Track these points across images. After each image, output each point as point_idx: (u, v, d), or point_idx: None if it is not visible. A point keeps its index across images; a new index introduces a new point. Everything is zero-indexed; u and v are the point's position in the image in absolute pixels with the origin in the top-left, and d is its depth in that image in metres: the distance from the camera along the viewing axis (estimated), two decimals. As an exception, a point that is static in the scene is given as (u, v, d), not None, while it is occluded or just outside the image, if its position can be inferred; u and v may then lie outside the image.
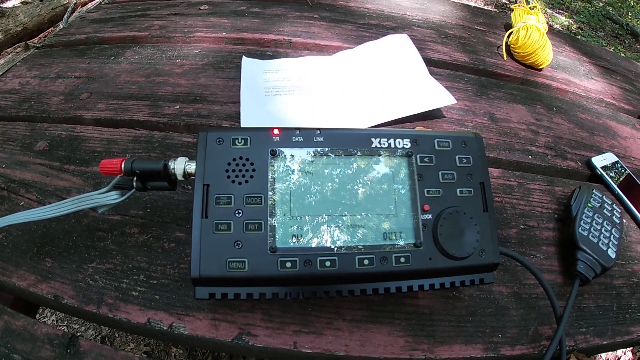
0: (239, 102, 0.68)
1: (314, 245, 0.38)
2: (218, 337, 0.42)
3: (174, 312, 0.43)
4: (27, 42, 1.23)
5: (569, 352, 0.46)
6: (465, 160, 0.43)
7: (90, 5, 1.30)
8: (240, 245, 0.37)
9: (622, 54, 2.96)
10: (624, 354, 1.28)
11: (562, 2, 3.85)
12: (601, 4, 3.96)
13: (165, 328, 0.42)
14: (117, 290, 0.45)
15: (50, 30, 1.45)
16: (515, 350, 0.45)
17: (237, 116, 0.66)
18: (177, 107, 0.67)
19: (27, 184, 0.55)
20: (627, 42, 3.49)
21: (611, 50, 2.74)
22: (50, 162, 0.58)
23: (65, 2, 1.39)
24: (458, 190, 0.42)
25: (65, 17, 1.23)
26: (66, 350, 0.41)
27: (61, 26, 1.22)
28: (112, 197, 0.43)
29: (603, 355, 1.26)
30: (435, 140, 0.43)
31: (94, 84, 0.72)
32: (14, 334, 0.42)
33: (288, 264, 0.37)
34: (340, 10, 1.02)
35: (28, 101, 0.68)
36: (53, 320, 1.15)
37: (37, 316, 0.44)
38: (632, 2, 3.99)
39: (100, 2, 1.08)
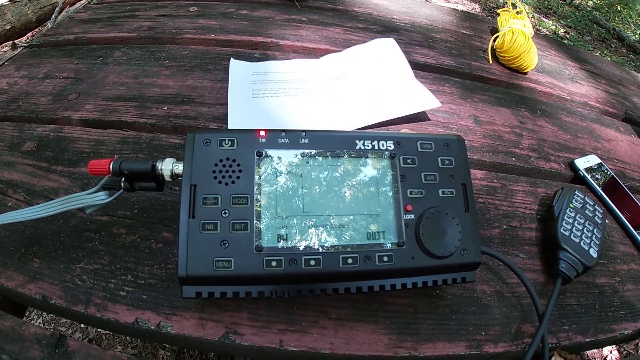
0: (227, 103, 0.69)
1: (298, 244, 0.39)
2: (205, 336, 0.42)
3: (162, 311, 0.44)
4: (15, 41, 1.22)
5: (552, 350, 0.48)
6: (447, 162, 0.44)
7: (78, 5, 1.30)
8: (227, 245, 0.37)
9: (608, 58, 3.01)
10: (611, 352, 1.30)
11: (549, 6, 3.90)
12: (588, 9, 4.02)
13: (152, 327, 0.43)
14: (105, 291, 0.45)
15: (37, 29, 1.44)
16: (498, 347, 0.46)
17: (224, 118, 0.66)
18: (165, 108, 0.67)
19: (15, 184, 0.55)
20: (613, 46, 3.55)
21: (597, 54, 2.78)
22: (38, 162, 0.58)
23: (53, 2, 1.38)
24: (440, 190, 0.43)
25: (53, 16, 1.23)
26: (54, 350, 0.41)
27: (49, 26, 1.22)
28: (100, 198, 0.43)
29: (589, 353, 1.28)
30: (418, 142, 0.44)
31: (82, 85, 0.72)
32: (2, 335, 0.41)
33: (273, 263, 0.37)
34: (328, 14, 1.02)
35: (16, 101, 0.68)
36: (40, 323, 1.14)
37: (24, 319, 0.44)
38: (618, 7, 4.05)
39: (89, 2, 1.08)
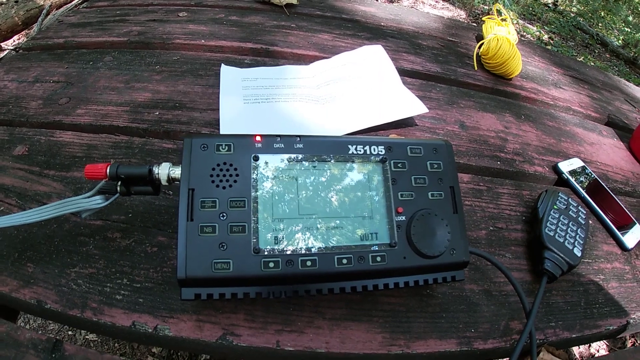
0: (218, 109, 0.69)
1: (295, 246, 0.40)
2: (202, 337, 0.43)
3: (159, 314, 0.44)
4: (0, 44, 1.21)
5: (540, 345, 0.49)
6: (436, 166, 0.46)
7: (64, 8, 1.29)
8: (225, 247, 0.38)
9: (592, 63, 3.08)
10: (597, 351, 1.33)
11: (533, 12, 3.97)
12: (572, 15, 4.10)
13: (150, 330, 0.43)
14: (100, 295, 0.45)
15: (24, 32, 1.43)
16: (488, 344, 0.48)
17: (216, 123, 0.67)
18: (157, 113, 0.68)
19: (7, 189, 0.54)
20: (597, 51, 3.62)
21: (581, 59, 2.85)
22: (30, 167, 0.57)
23: (40, 5, 1.37)
24: (429, 193, 0.44)
25: (39, 19, 1.22)
26: (51, 355, 0.41)
27: (35, 29, 1.21)
28: (97, 202, 0.44)
29: (576, 351, 1.31)
30: (408, 147, 0.46)
31: (73, 89, 0.71)
32: (-4, 340, 0.41)
33: (271, 264, 0.38)
34: (317, 21, 1.04)
35: (6, 105, 0.68)
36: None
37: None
38: (602, 13, 4.14)
39: (77, 6, 1.08)
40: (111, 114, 0.67)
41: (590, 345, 1.33)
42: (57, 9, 1.35)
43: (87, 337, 1.16)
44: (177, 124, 0.66)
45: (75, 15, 0.97)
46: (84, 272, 0.47)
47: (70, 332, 1.16)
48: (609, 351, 1.33)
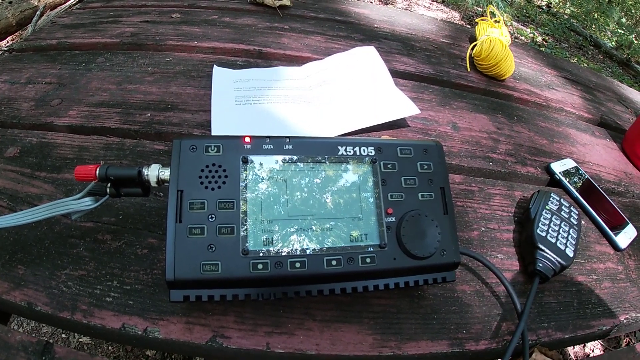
0: (210, 110, 0.69)
1: (284, 247, 0.40)
2: (192, 340, 0.43)
3: (148, 316, 0.44)
4: (-6, 46, 1.21)
5: (532, 346, 0.49)
6: (426, 167, 0.46)
7: (59, 9, 1.29)
8: (214, 249, 0.38)
9: (585, 65, 3.09)
10: (592, 351, 1.33)
11: (527, 14, 4.00)
12: (566, 17, 4.12)
13: (139, 333, 0.43)
14: (91, 297, 0.45)
15: (17, 33, 1.43)
16: (480, 345, 0.48)
17: (208, 124, 0.67)
18: (149, 114, 0.67)
19: (-2, 190, 0.54)
20: (590, 53, 3.65)
21: (574, 61, 2.86)
22: (21, 168, 0.57)
23: (34, 5, 1.37)
24: (420, 194, 0.44)
25: (33, 20, 1.22)
26: (41, 358, 0.40)
27: (29, 29, 1.21)
28: (86, 203, 0.43)
29: (571, 351, 1.31)
30: (398, 148, 0.46)
31: (65, 91, 0.71)
32: (-14, 343, 0.41)
33: (260, 266, 0.38)
34: (310, 22, 1.04)
35: (-3, 106, 0.67)
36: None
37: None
38: (595, 15, 4.16)
39: (71, 7, 1.07)
40: (103, 115, 0.67)
41: (585, 345, 1.34)
42: (51, 10, 1.34)
43: (80, 340, 1.15)
44: (168, 126, 0.66)
45: (68, 16, 0.97)
46: (74, 274, 0.46)
47: (63, 335, 1.16)
48: (603, 351, 1.33)
